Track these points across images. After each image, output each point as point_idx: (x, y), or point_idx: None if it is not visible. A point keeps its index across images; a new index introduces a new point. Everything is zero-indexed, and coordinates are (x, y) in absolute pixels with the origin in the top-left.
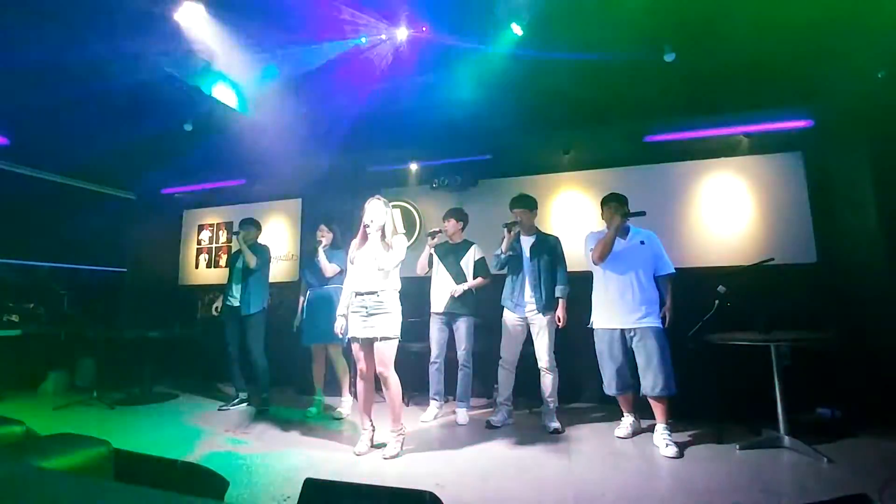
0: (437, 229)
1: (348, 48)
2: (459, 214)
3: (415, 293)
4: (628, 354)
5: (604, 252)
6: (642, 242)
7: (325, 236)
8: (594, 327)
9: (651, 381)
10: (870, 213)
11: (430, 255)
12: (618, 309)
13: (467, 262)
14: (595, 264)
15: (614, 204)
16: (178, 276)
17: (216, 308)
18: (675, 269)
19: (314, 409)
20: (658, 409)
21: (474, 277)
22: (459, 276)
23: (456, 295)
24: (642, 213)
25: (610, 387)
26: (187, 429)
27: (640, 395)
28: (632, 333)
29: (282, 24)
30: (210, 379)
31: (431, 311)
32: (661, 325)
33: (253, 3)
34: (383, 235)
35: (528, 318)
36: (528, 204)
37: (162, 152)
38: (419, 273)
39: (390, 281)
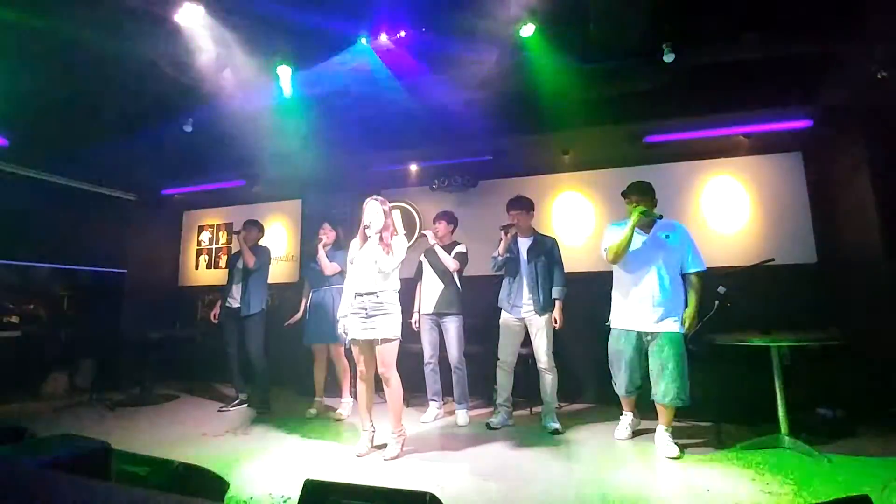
0: (427, 233)
1: (348, 48)
2: (451, 217)
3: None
4: (642, 358)
5: (618, 252)
6: (667, 237)
7: (327, 235)
8: (611, 326)
9: (663, 388)
10: (870, 213)
11: (420, 261)
12: (635, 309)
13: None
14: (610, 263)
15: (635, 196)
16: (178, 277)
17: (214, 315)
18: None
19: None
20: (664, 413)
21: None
22: (446, 276)
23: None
24: (659, 217)
25: (620, 387)
26: (187, 430)
27: (650, 398)
28: (648, 337)
29: (281, 24)
30: (210, 380)
31: (420, 312)
32: (680, 331)
33: (252, 4)
34: (382, 237)
35: (525, 319)
36: (524, 205)
37: (162, 153)
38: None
39: (390, 282)
